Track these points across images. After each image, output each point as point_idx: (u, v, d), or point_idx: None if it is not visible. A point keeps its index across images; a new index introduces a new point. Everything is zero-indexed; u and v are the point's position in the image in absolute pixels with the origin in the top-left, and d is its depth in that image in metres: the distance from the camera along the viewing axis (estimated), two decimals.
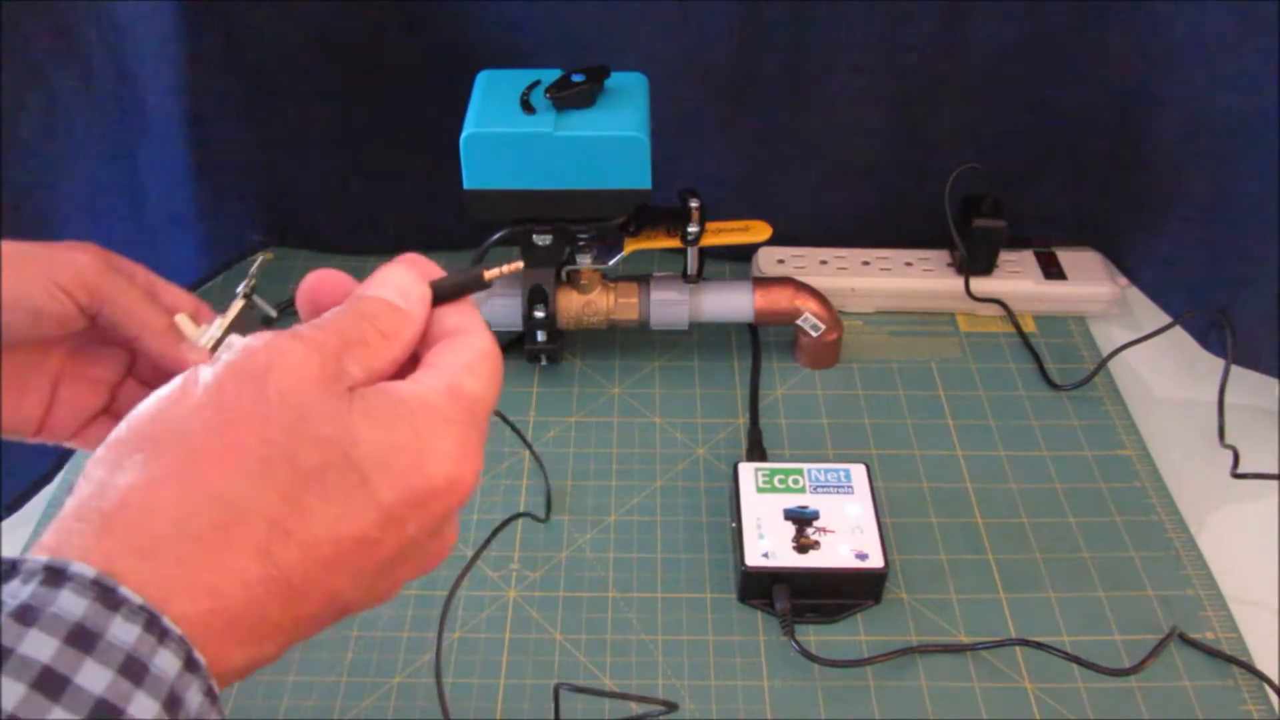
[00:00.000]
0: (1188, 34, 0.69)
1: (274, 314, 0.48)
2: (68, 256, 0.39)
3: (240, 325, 0.44)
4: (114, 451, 0.27)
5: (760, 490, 0.63)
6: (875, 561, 0.60)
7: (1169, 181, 0.75)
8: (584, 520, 0.66)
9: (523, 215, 0.68)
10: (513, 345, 0.78)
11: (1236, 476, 0.68)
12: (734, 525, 0.63)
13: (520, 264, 0.38)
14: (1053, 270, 0.82)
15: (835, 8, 0.72)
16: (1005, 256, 0.81)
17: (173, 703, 0.23)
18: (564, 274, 0.73)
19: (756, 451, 0.70)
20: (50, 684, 0.21)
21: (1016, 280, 0.81)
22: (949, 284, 0.81)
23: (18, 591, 0.23)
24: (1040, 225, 0.83)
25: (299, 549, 0.26)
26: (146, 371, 0.43)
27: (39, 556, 0.24)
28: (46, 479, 0.69)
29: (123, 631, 0.23)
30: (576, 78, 0.64)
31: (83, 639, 0.22)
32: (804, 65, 0.75)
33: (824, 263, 0.82)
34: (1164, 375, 0.78)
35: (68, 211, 0.68)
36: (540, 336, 0.74)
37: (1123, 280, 0.82)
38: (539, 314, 0.72)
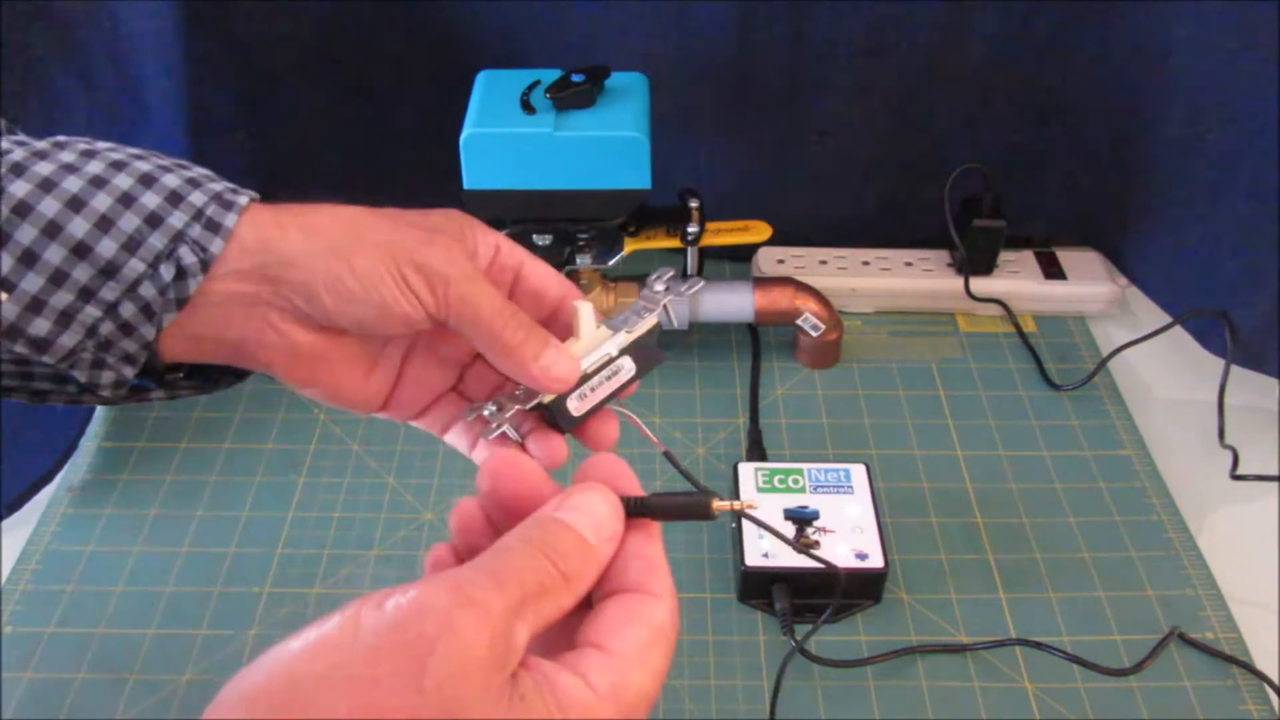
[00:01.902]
0: (1188, 34, 0.69)
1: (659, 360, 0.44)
2: (430, 256, 0.37)
3: (638, 349, 0.40)
4: (247, 707, 0.25)
5: (760, 490, 0.63)
6: (875, 561, 0.60)
7: (1169, 181, 0.75)
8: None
9: (523, 215, 0.68)
10: None
11: (1236, 478, 0.68)
12: (734, 525, 0.63)
13: (752, 504, 0.35)
14: (1053, 270, 0.82)
15: (835, 7, 0.72)
16: (1005, 256, 0.81)
17: None
18: (564, 274, 0.73)
19: (756, 451, 0.70)
20: None
21: (1016, 280, 0.81)
22: (949, 284, 0.81)
23: None
24: (1040, 225, 0.83)
25: None
26: None
27: None
28: (47, 479, 0.69)
29: None
30: (576, 78, 0.64)
31: None
32: (804, 65, 0.75)
33: (824, 263, 0.82)
34: (1164, 375, 0.78)
35: None
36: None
37: (1123, 280, 0.82)
38: None
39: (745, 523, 0.61)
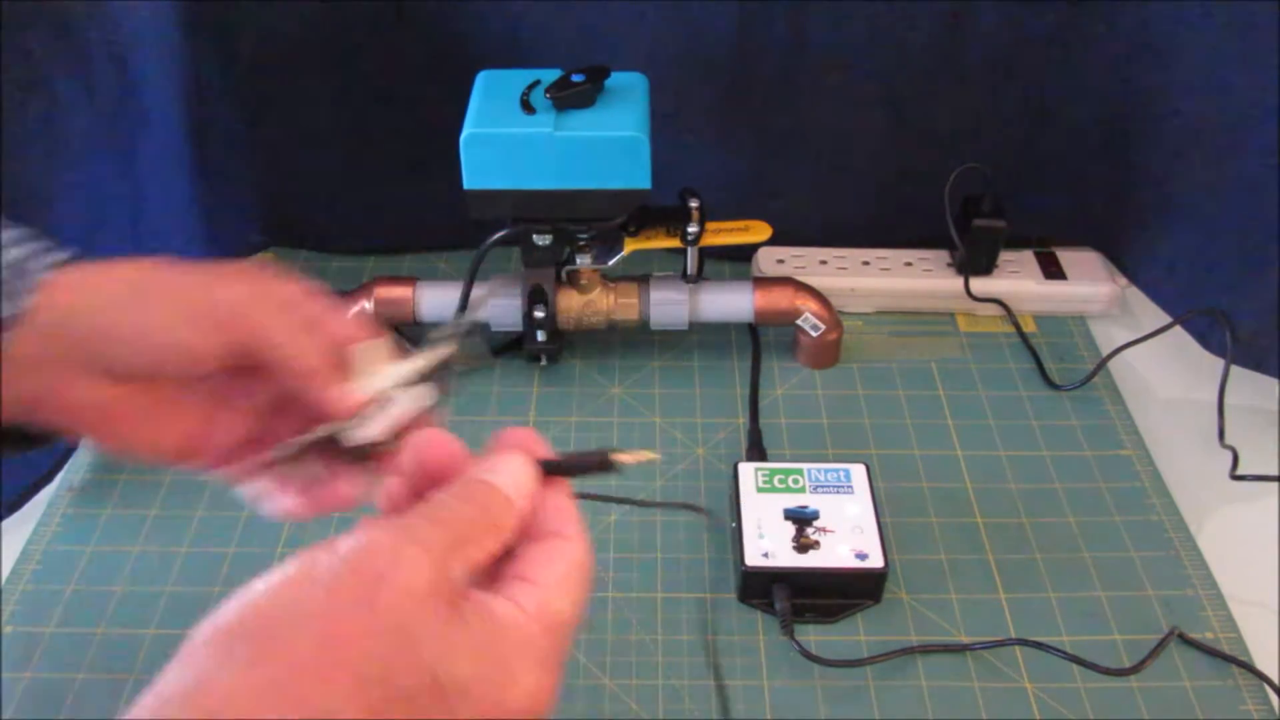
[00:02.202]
0: (1187, 34, 0.69)
1: (486, 362, 0.44)
2: (224, 291, 0.39)
3: (430, 379, 0.41)
4: (221, 639, 0.27)
5: (760, 490, 0.63)
6: (875, 561, 0.60)
7: (1169, 181, 0.75)
8: (584, 520, 0.66)
9: (523, 215, 0.68)
10: (512, 345, 0.78)
11: (1236, 479, 0.68)
12: (734, 525, 0.63)
13: (655, 455, 0.37)
14: (1053, 270, 0.82)
15: (835, 7, 0.72)
16: (1005, 256, 0.81)
17: None
18: (564, 274, 0.73)
19: (756, 451, 0.70)
20: None
21: (1016, 280, 0.81)
22: (949, 284, 0.81)
23: None
24: (1040, 225, 0.83)
25: None
26: (297, 404, 0.41)
27: None
28: (47, 479, 0.69)
29: None
30: (576, 78, 0.64)
31: None
32: (804, 65, 0.75)
33: (824, 263, 0.82)
34: (1164, 375, 0.78)
35: (68, 211, 0.68)
36: (540, 336, 0.74)
37: (1123, 280, 0.82)
38: (539, 314, 0.72)
39: (745, 524, 0.61)
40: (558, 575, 0.32)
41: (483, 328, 0.42)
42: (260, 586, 0.28)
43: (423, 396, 0.41)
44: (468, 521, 0.31)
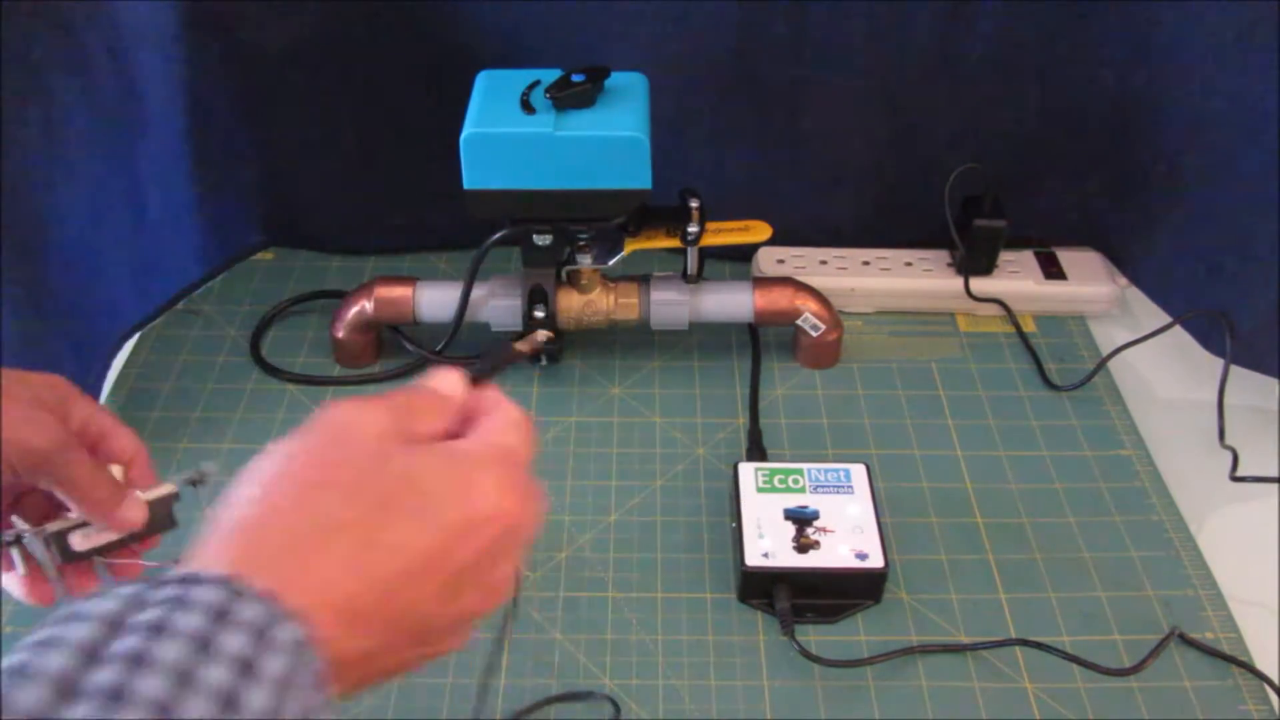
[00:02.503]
0: (1188, 34, 0.69)
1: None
2: (18, 437, 0.42)
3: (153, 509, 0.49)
4: (238, 495, 0.34)
5: (760, 490, 0.63)
6: (875, 561, 0.60)
7: (1169, 181, 0.75)
8: (584, 520, 0.66)
9: (523, 215, 0.68)
10: None
11: (1235, 480, 0.68)
12: (734, 525, 0.63)
13: (548, 334, 0.46)
14: (1053, 270, 0.82)
15: (835, 7, 0.72)
16: (1005, 256, 0.81)
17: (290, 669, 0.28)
18: (564, 274, 0.73)
19: (756, 451, 0.70)
20: (201, 649, 0.27)
21: (1016, 280, 0.81)
22: (949, 284, 0.81)
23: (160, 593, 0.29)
24: (1040, 225, 0.83)
25: (382, 552, 0.32)
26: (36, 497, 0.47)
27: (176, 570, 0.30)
28: None
29: (249, 611, 0.28)
30: (576, 78, 0.64)
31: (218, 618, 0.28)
32: (804, 65, 0.75)
33: (824, 263, 0.82)
34: (1164, 375, 0.78)
35: (68, 211, 0.68)
36: (540, 337, 0.74)
37: (1123, 280, 0.82)
38: (539, 314, 0.72)
39: (745, 524, 0.61)
40: (497, 425, 0.38)
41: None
42: (255, 462, 0.35)
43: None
44: (415, 400, 0.38)
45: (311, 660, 0.29)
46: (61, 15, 0.64)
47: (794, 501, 0.63)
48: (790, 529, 0.61)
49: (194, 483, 0.56)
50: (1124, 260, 0.83)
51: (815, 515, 0.62)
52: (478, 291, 0.73)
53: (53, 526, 0.48)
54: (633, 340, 0.79)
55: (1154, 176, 0.77)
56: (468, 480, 0.35)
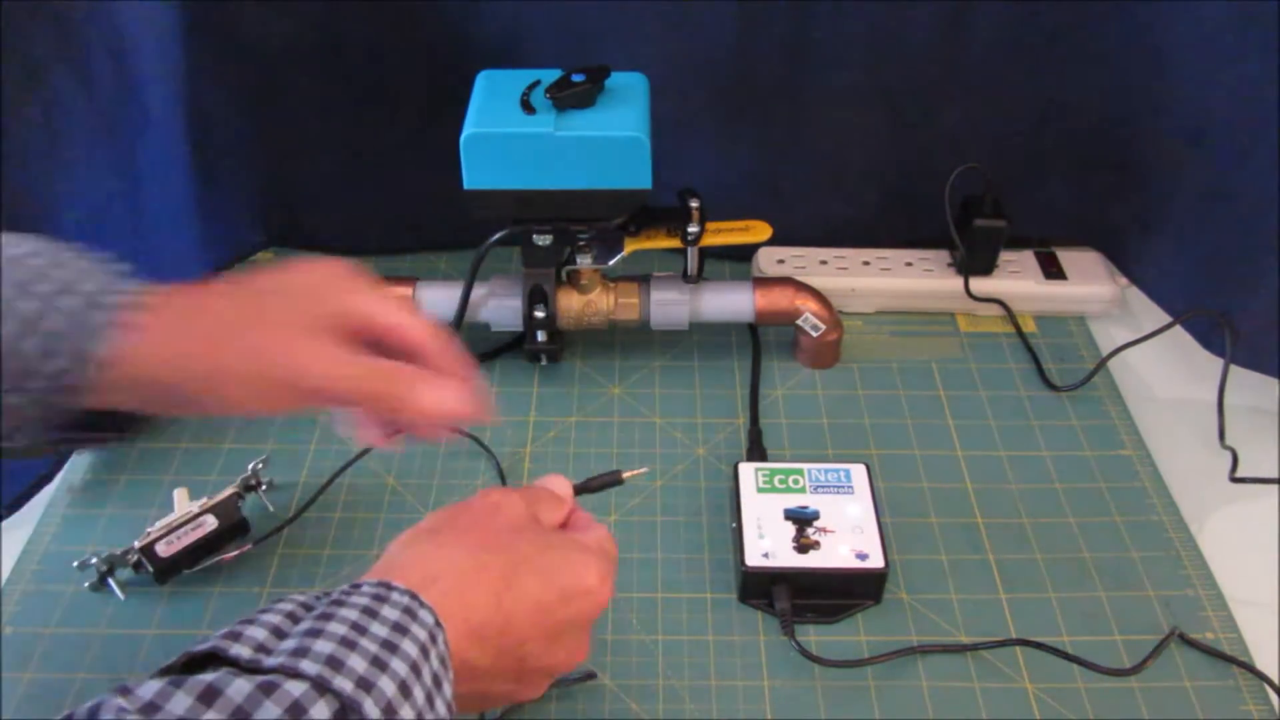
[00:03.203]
0: (1188, 34, 0.69)
1: None
2: (306, 371, 0.46)
3: (220, 510, 0.63)
4: (412, 533, 0.44)
5: (760, 490, 0.63)
6: (875, 561, 0.60)
7: (1169, 181, 0.75)
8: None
9: (523, 215, 0.68)
10: (513, 345, 0.78)
11: (1235, 481, 0.68)
12: (734, 525, 0.63)
13: (646, 469, 0.57)
14: (1053, 270, 0.82)
15: (835, 7, 0.72)
16: (1005, 256, 0.81)
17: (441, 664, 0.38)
18: (564, 274, 0.73)
19: (756, 451, 0.70)
20: (387, 649, 0.36)
21: (1016, 280, 0.81)
22: (949, 284, 0.81)
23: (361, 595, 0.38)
24: (1040, 225, 0.83)
25: (514, 594, 0.42)
26: None
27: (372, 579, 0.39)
28: (47, 479, 0.69)
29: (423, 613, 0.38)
30: (576, 78, 0.64)
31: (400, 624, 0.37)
32: (804, 65, 0.75)
33: (824, 263, 0.82)
34: (1164, 375, 0.78)
35: (67, 211, 0.68)
36: (540, 336, 0.74)
37: (1123, 280, 0.82)
38: (539, 314, 0.72)
39: (745, 524, 0.61)
40: (603, 533, 0.48)
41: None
42: (436, 512, 0.46)
43: (205, 526, 0.62)
44: (542, 494, 0.49)
45: (441, 648, 0.38)
46: (61, 15, 0.64)
47: (794, 501, 0.63)
48: (790, 529, 0.61)
49: (250, 487, 0.66)
50: (1124, 260, 0.83)
51: (815, 515, 0.62)
52: (478, 291, 0.73)
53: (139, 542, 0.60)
54: (633, 340, 0.79)
55: (1154, 176, 0.77)
56: (584, 562, 0.44)
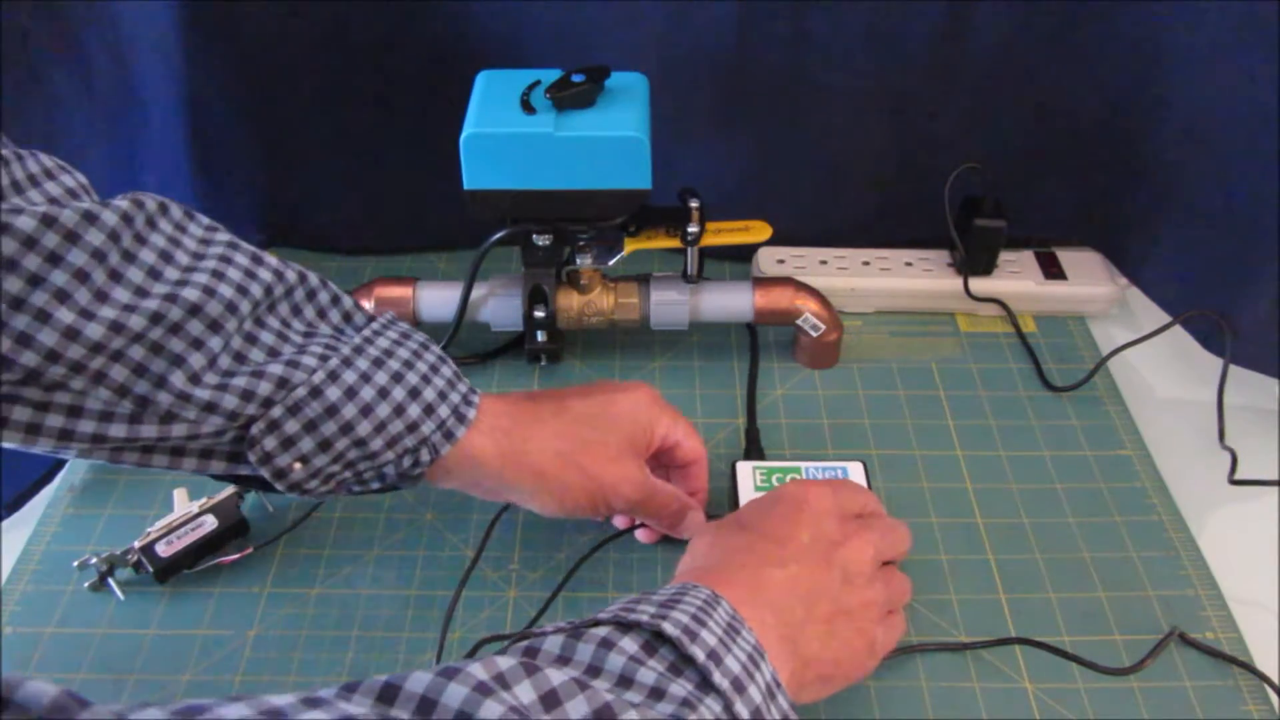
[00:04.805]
0: (1188, 34, 0.69)
1: None
2: (616, 487, 0.56)
3: (220, 510, 0.63)
4: (726, 524, 0.55)
5: (759, 489, 0.63)
6: None
7: (1169, 181, 0.75)
8: (584, 520, 0.66)
9: (523, 215, 0.68)
10: (513, 345, 0.78)
11: (1234, 483, 0.68)
12: None
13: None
14: (1053, 270, 0.82)
15: (835, 7, 0.72)
16: (1005, 256, 0.81)
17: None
18: (564, 274, 0.73)
19: (754, 450, 0.70)
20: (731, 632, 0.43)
21: (1016, 280, 0.81)
22: (949, 284, 0.81)
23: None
24: (1040, 225, 0.83)
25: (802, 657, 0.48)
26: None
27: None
28: (47, 479, 0.69)
29: (721, 616, 0.43)
30: (576, 78, 0.64)
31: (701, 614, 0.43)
32: (804, 65, 0.75)
33: (824, 263, 0.82)
34: (1164, 375, 0.78)
35: None
36: (540, 336, 0.74)
37: (1123, 280, 0.82)
38: (539, 314, 0.72)
39: None
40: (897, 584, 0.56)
41: None
42: (749, 504, 0.56)
43: (205, 526, 0.63)
44: (848, 488, 0.58)
45: (751, 638, 0.43)
46: (61, 14, 0.64)
47: None
48: None
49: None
50: (1124, 260, 0.83)
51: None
52: (478, 291, 0.73)
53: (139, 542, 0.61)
54: (633, 340, 0.79)
55: (1154, 177, 0.77)
56: (867, 650, 0.52)
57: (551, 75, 0.65)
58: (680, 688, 0.38)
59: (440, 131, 0.66)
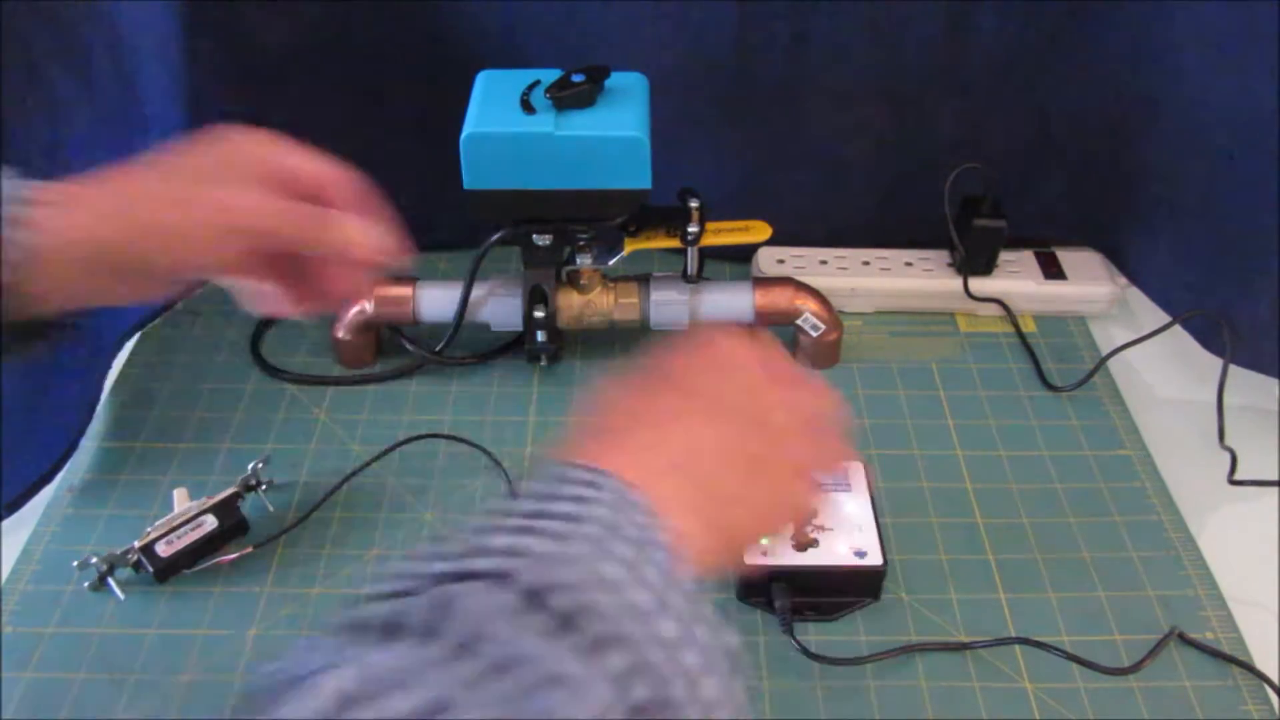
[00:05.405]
0: (1188, 34, 0.69)
1: None
2: (251, 213, 0.48)
3: (220, 510, 0.62)
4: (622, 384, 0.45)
5: None
6: (874, 559, 0.60)
7: (1169, 181, 0.75)
8: None
9: (523, 215, 0.68)
10: (513, 345, 0.78)
11: (1234, 483, 0.68)
12: None
13: None
14: (1053, 270, 0.82)
15: (835, 8, 0.72)
16: (1005, 256, 0.81)
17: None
18: (564, 274, 0.73)
19: None
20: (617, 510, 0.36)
21: (1016, 280, 0.81)
22: (948, 284, 0.81)
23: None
24: (1040, 225, 0.83)
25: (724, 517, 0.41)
26: None
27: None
28: (46, 479, 0.68)
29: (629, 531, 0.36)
30: (576, 78, 0.64)
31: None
32: (804, 65, 0.75)
33: (824, 263, 0.82)
34: (1164, 375, 0.78)
35: None
36: (540, 336, 0.74)
37: (1123, 280, 0.82)
38: (539, 314, 0.72)
39: None
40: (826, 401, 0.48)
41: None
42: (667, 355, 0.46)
43: (206, 526, 0.62)
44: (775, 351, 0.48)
45: (640, 503, 0.37)
46: (61, 15, 0.64)
47: None
48: (788, 527, 0.61)
49: (250, 487, 0.65)
50: (1124, 260, 0.83)
51: (813, 513, 0.62)
52: (478, 291, 0.73)
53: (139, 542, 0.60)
54: (633, 340, 0.79)
55: (1154, 177, 0.77)
56: (796, 490, 0.44)
57: (551, 75, 0.65)
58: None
59: (440, 131, 0.66)
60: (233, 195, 0.49)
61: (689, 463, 0.41)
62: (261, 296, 0.53)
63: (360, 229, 0.53)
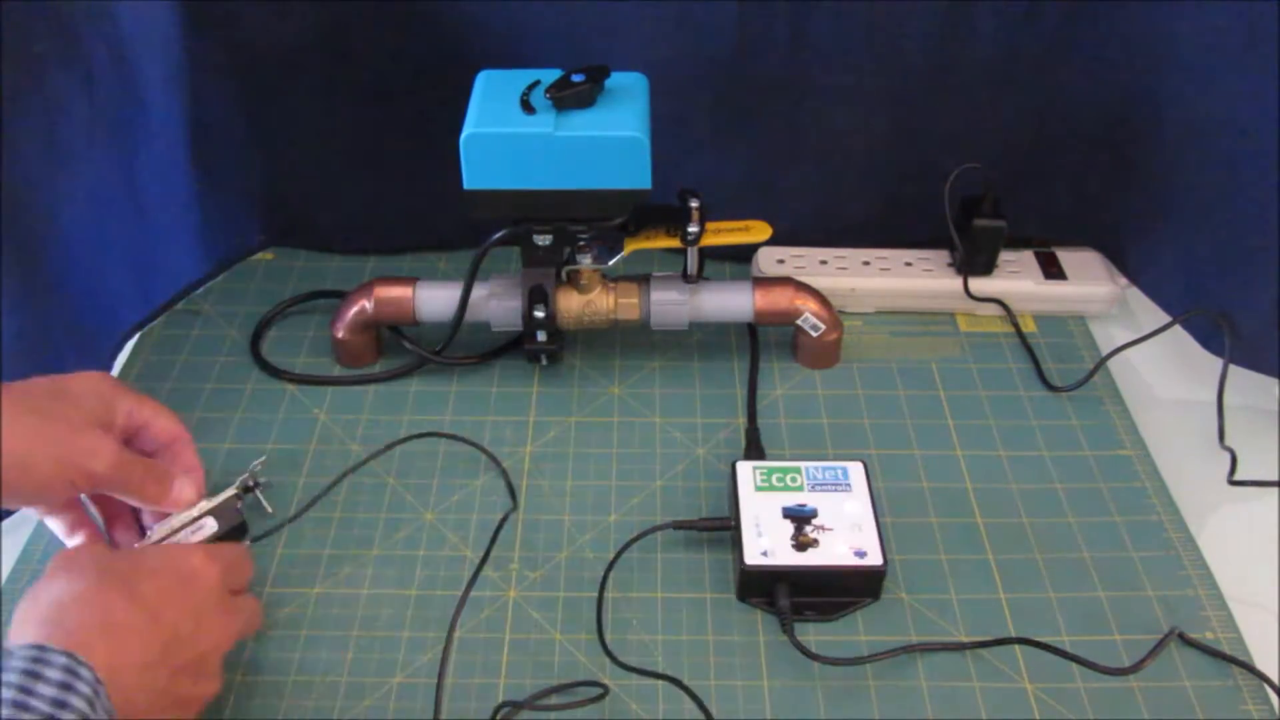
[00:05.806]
0: (1188, 34, 0.69)
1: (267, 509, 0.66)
2: (88, 456, 0.52)
3: (220, 512, 0.61)
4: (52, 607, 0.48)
5: (759, 489, 0.63)
6: (874, 559, 0.60)
7: (1169, 182, 0.75)
8: (584, 520, 0.66)
9: (523, 215, 0.68)
10: (513, 345, 0.78)
11: (1234, 484, 0.68)
12: (733, 524, 0.63)
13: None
14: (1053, 270, 0.82)
15: (835, 7, 0.72)
16: (1005, 256, 0.81)
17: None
18: (564, 274, 0.73)
19: (754, 450, 0.70)
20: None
21: (1016, 280, 0.81)
22: (949, 284, 0.81)
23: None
24: (1040, 225, 0.83)
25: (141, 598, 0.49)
26: None
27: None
28: None
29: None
30: (576, 78, 0.64)
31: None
32: (804, 65, 0.75)
33: (824, 263, 0.82)
34: (1164, 375, 0.78)
35: (68, 211, 0.68)
36: (540, 336, 0.74)
37: (1123, 280, 0.82)
38: (539, 314, 0.72)
39: (744, 523, 0.61)
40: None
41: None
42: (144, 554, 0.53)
43: (206, 529, 0.61)
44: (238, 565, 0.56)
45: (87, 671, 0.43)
46: (61, 15, 0.64)
47: (792, 500, 0.63)
48: (789, 527, 0.61)
49: (250, 488, 0.65)
50: (1124, 260, 0.83)
51: (813, 513, 0.62)
52: (478, 291, 0.73)
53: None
54: (633, 340, 0.79)
55: (1154, 177, 0.76)
56: (181, 553, 0.53)
57: (551, 75, 0.65)
58: None
59: (440, 131, 0.66)
60: (87, 438, 0.52)
61: (108, 680, 0.44)
62: (69, 528, 0.59)
63: (190, 490, 0.59)
